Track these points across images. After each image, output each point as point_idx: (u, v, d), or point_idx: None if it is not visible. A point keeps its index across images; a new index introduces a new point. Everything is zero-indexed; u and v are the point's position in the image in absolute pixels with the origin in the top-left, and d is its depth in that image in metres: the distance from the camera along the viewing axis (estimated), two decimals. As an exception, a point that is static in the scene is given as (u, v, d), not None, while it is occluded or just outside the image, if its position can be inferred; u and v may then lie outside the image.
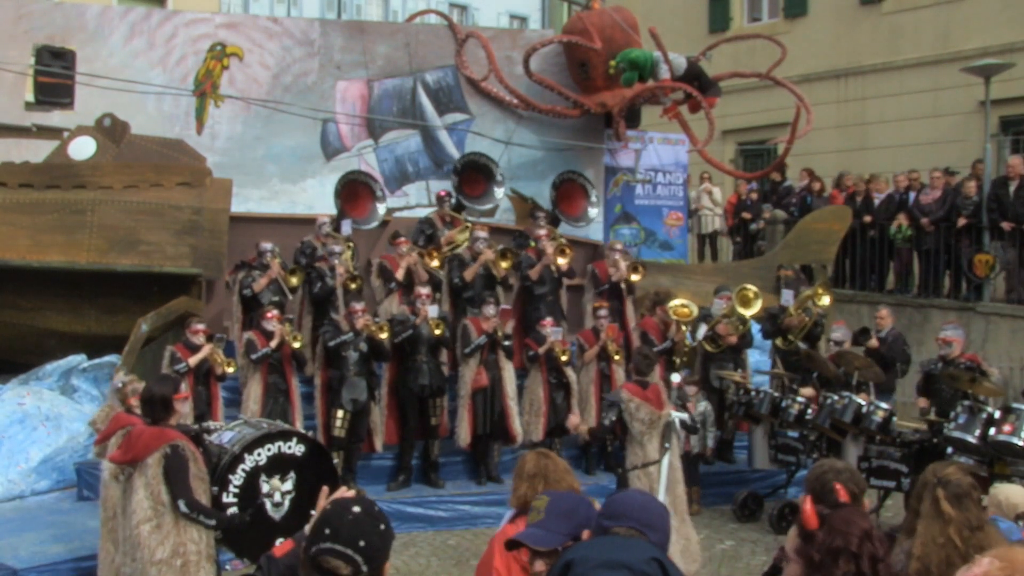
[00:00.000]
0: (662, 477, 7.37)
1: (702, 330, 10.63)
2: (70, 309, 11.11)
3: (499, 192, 12.86)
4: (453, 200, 12.17)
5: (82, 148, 11.99)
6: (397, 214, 13.20)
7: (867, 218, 14.33)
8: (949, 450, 8.15)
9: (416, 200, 13.76)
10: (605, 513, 2.92)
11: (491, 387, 9.80)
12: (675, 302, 10.72)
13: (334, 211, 12.02)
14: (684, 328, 10.57)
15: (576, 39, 13.22)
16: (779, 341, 10.93)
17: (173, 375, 8.38)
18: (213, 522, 6.05)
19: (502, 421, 9.85)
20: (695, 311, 10.65)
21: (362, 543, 2.53)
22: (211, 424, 7.84)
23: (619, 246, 11.63)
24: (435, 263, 10.86)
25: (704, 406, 10.00)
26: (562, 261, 10.90)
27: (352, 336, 9.38)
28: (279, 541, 3.06)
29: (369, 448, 9.69)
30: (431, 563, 8.29)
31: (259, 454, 6.92)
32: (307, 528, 2.70)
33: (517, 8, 31.45)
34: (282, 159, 13.31)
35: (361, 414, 9.45)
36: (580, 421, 7.68)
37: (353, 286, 10.65)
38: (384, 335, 9.48)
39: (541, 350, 9.97)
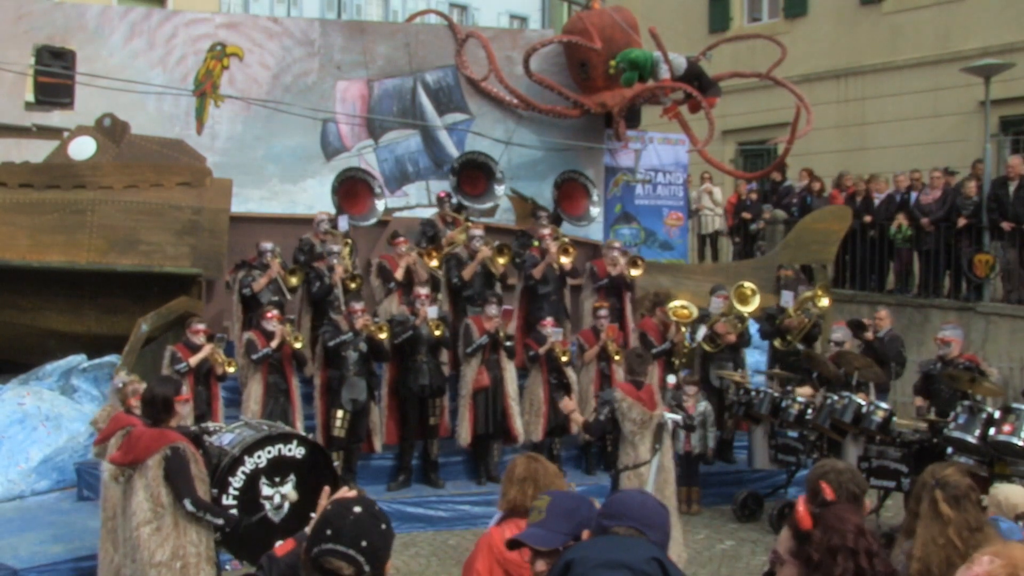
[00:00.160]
0: (650, 478, 7.36)
1: (701, 331, 10.63)
2: (70, 309, 11.11)
3: (499, 190, 12.85)
4: (454, 201, 12.17)
5: (82, 148, 12.00)
6: (397, 214, 13.21)
7: (867, 218, 14.33)
8: (949, 450, 8.14)
9: (416, 200, 13.76)
10: (605, 513, 2.92)
11: (493, 387, 9.81)
12: (675, 303, 10.72)
13: (333, 210, 12.03)
14: (683, 329, 10.57)
15: (576, 39, 13.22)
16: (777, 342, 10.93)
17: (175, 376, 8.38)
18: (220, 520, 6.05)
19: (503, 421, 9.86)
20: (695, 312, 10.65)
21: (364, 543, 2.53)
22: (210, 425, 7.84)
23: (617, 244, 11.64)
24: (434, 263, 10.86)
25: (704, 406, 10.00)
26: (565, 260, 10.90)
27: (352, 336, 9.38)
28: (279, 542, 3.05)
29: (368, 448, 9.70)
30: (431, 563, 8.29)
31: (259, 456, 6.93)
32: (308, 529, 2.70)
33: (517, 8, 31.44)
34: (282, 159, 13.31)
35: (361, 414, 9.45)
36: (575, 406, 7.67)
37: (353, 285, 10.65)
38: (383, 335, 9.49)
39: (542, 350, 9.97)
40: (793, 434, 9.55)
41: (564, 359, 10.01)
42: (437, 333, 9.69)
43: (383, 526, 2.61)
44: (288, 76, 13.38)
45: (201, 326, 9.28)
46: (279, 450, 7.01)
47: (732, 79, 14.57)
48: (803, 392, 9.65)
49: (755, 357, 12.19)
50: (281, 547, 2.99)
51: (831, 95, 18.75)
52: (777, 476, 10.14)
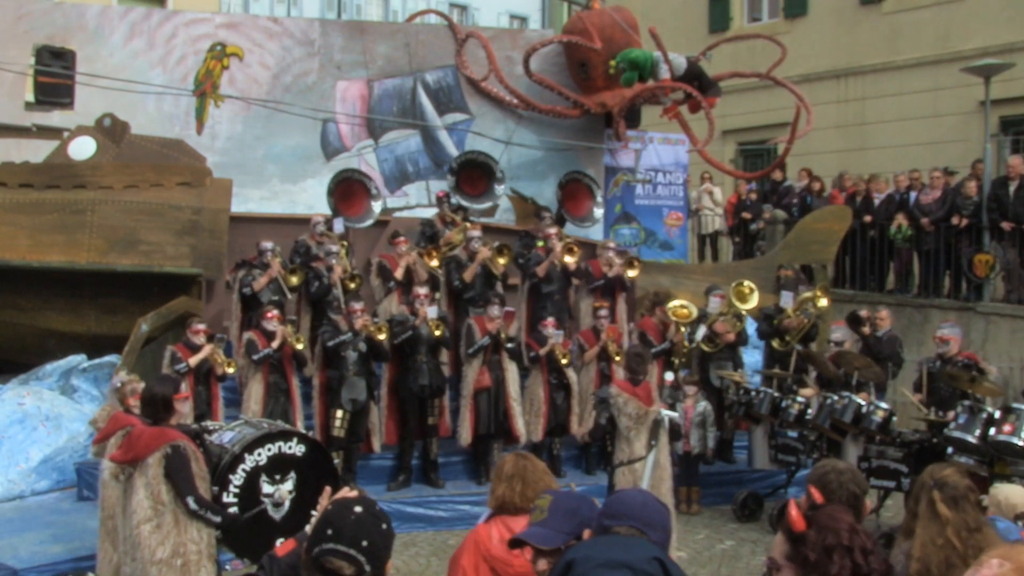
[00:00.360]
0: (646, 474, 7.36)
1: (701, 331, 10.63)
2: (70, 309, 11.11)
3: (499, 189, 12.85)
4: (453, 201, 12.17)
5: (82, 148, 12.00)
6: (397, 214, 13.21)
7: (867, 218, 14.33)
8: (949, 450, 8.15)
9: (416, 200, 13.78)
10: (606, 512, 2.92)
11: (494, 387, 9.81)
12: (674, 303, 10.72)
13: (330, 211, 12.02)
14: (683, 329, 10.57)
15: (576, 39, 13.22)
16: (775, 342, 10.92)
17: (173, 375, 8.38)
18: (220, 519, 6.05)
19: (505, 421, 9.86)
20: (694, 312, 10.65)
21: (365, 543, 2.54)
22: (210, 424, 7.84)
23: (611, 244, 11.61)
24: (434, 263, 10.86)
25: (704, 406, 10.00)
26: (569, 260, 10.90)
27: (351, 336, 9.38)
28: (280, 541, 3.05)
29: (368, 448, 9.69)
30: (431, 563, 8.29)
31: (259, 454, 6.93)
32: (309, 528, 2.70)
33: (517, 8, 31.44)
34: (282, 159, 13.32)
35: (360, 414, 9.45)
36: (584, 431, 7.75)
37: (352, 286, 10.65)
38: (383, 335, 9.48)
39: (542, 352, 9.98)
40: (793, 434, 9.55)
41: (564, 361, 10.01)
42: (437, 333, 9.70)
43: (384, 526, 2.62)
44: (288, 76, 13.39)
45: (201, 326, 9.28)
46: (279, 448, 7.01)
47: (732, 79, 14.57)
48: (804, 392, 9.66)
49: (755, 357, 12.19)
50: (282, 547, 2.99)
51: (831, 95, 18.75)
52: (777, 476, 10.14)
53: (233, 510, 6.59)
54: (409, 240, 11.10)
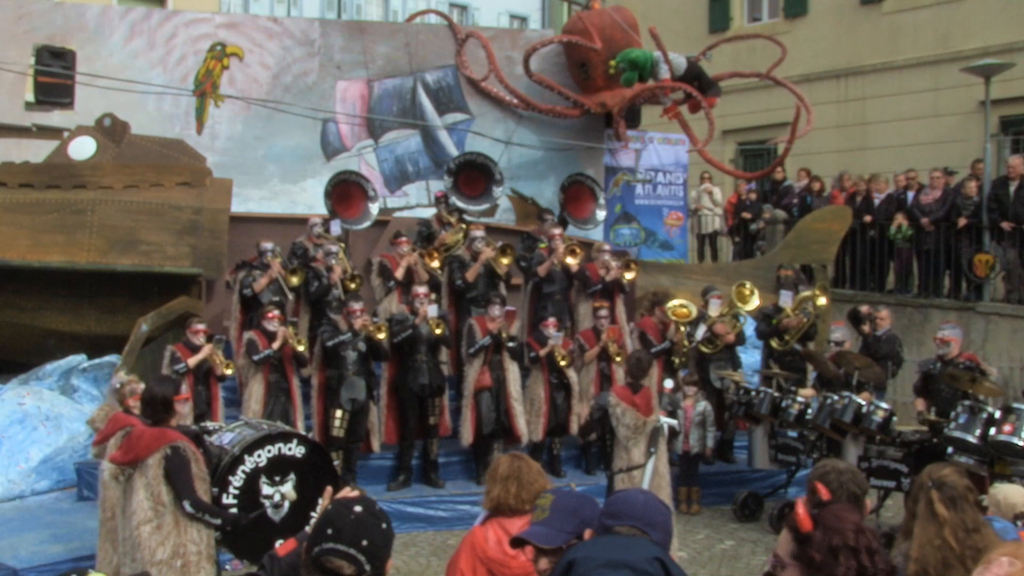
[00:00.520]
0: (644, 481, 7.37)
1: (700, 331, 10.62)
2: (70, 309, 11.11)
3: (498, 191, 12.84)
4: (450, 201, 12.16)
5: (82, 148, 12.00)
6: (397, 214, 13.21)
7: (867, 218, 14.34)
8: (949, 450, 8.15)
9: (416, 200, 13.78)
10: (607, 512, 2.92)
11: (496, 387, 9.81)
12: (674, 302, 10.72)
13: (326, 212, 12.03)
14: (683, 329, 10.57)
15: (576, 39, 13.22)
16: (774, 342, 10.92)
17: (173, 375, 8.38)
18: (219, 521, 6.05)
19: (506, 421, 9.86)
20: (694, 312, 10.65)
21: (365, 543, 2.54)
22: (210, 425, 7.84)
23: (607, 247, 11.55)
24: (435, 263, 10.85)
25: (704, 406, 10.00)
26: (571, 261, 10.90)
27: (350, 336, 9.37)
28: (280, 542, 3.05)
29: (367, 448, 9.69)
30: (431, 563, 8.29)
31: (259, 455, 6.93)
32: (309, 528, 2.71)
33: (517, 8, 31.44)
34: (282, 159, 13.32)
35: (360, 414, 9.44)
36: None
37: (353, 285, 10.65)
38: (382, 335, 9.48)
39: (543, 352, 9.98)
40: (793, 434, 9.56)
41: (563, 363, 10.01)
42: (437, 332, 9.69)
43: (384, 526, 2.62)
44: (288, 76, 13.39)
45: (201, 326, 9.27)
46: (279, 449, 7.01)
47: (732, 79, 14.57)
48: (804, 393, 9.66)
49: (754, 356, 12.19)
50: (282, 547, 2.99)
51: (831, 95, 18.75)
52: (777, 476, 10.14)
53: (233, 511, 6.59)
54: (411, 241, 11.10)
